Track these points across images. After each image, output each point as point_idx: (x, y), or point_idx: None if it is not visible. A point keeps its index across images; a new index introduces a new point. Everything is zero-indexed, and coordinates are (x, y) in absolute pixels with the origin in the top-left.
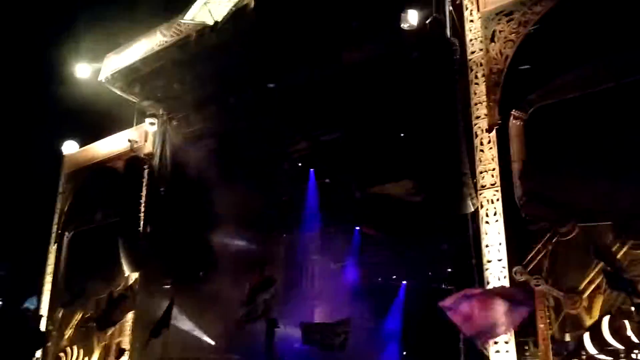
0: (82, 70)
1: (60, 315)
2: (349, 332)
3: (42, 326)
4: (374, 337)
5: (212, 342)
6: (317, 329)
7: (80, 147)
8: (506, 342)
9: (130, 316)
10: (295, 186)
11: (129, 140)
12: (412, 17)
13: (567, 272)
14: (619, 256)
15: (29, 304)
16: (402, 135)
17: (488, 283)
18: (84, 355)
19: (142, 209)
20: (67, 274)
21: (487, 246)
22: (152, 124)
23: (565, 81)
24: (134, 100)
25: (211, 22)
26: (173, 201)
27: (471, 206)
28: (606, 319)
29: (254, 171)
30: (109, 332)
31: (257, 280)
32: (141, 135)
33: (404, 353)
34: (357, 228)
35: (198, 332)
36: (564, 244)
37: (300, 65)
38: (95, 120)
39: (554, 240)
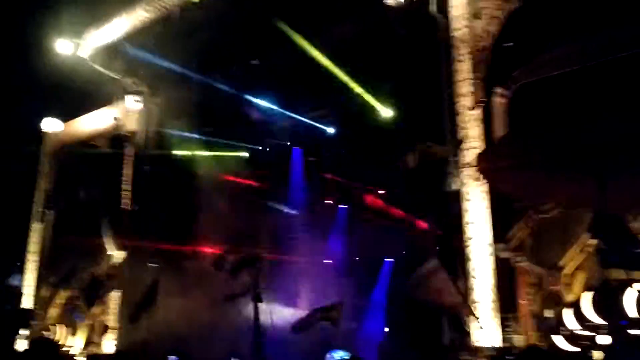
0: (62, 45)
1: (45, 294)
2: (339, 313)
3: (27, 304)
4: (358, 313)
5: (199, 319)
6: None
7: (62, 124)
8: (488, 318)
9: (115, 294)
10: (280, 163)
11: (115, 119)
12: None
13: (549, 249)
14: None
15: (14, 281)
16: (387, 112)
17: (470, 260)
18: (69, 334)
19: (126, 187)
20: (51, 253)
21: (469, 223)
22: (135, 101)
23: (549, 58)
24: (116, 76)
25: None
26: (157, 179)
27: (454, 183)
28: (587, 295)
29: (239, 148)
30: (95, 311)
31: (241, 255)
32: (124, 113)
33: (388, 328)
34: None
35: (184, 310)
36: (546, 222)
37: (285, 41)
38: (77, 97)
39: (536, 218)
